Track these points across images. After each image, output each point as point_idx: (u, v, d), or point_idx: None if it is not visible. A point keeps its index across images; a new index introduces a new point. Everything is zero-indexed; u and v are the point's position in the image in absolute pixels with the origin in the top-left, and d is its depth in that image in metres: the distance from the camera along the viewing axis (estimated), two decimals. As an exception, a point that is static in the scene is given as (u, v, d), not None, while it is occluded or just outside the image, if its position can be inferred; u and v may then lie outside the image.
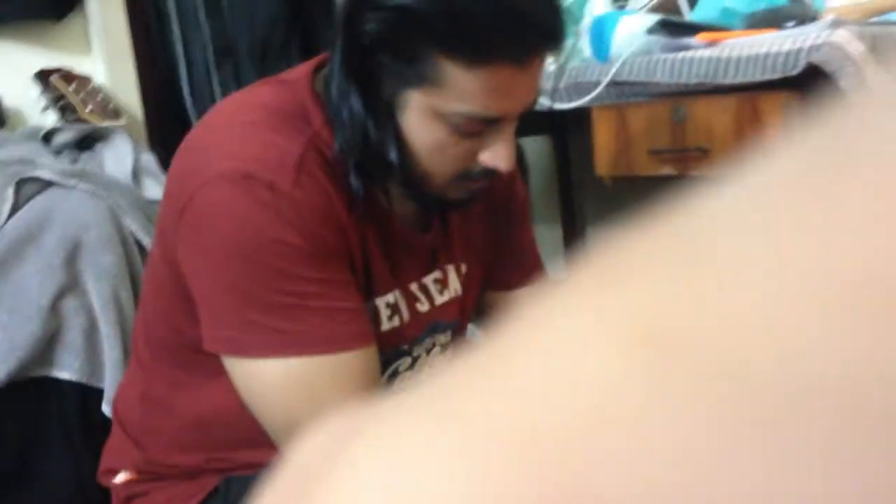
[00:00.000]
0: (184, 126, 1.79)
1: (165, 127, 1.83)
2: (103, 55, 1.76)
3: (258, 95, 0.71)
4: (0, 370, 1.19)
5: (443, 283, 0.83)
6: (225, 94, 1.80)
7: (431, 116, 0.67)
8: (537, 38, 0.67)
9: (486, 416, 0.11)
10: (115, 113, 1.66)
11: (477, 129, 0.68)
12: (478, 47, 0.63)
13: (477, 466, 0.11)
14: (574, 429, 0.10)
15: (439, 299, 0.82)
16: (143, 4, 1.81)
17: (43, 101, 1.60)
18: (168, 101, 1.88)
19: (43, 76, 1.61)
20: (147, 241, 1.32)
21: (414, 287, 0.80)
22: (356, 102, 0.67)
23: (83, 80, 1.65)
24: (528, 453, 0.10)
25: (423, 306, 0.81)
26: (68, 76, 1.63)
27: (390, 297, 0.77)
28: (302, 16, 1.91)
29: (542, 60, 0.70)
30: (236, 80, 1.85)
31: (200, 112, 1.84)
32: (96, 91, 1.67)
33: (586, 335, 0.11)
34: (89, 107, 1.60)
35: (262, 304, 0.63)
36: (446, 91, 0.65)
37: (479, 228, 0.87)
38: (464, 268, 0.86)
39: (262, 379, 0.66)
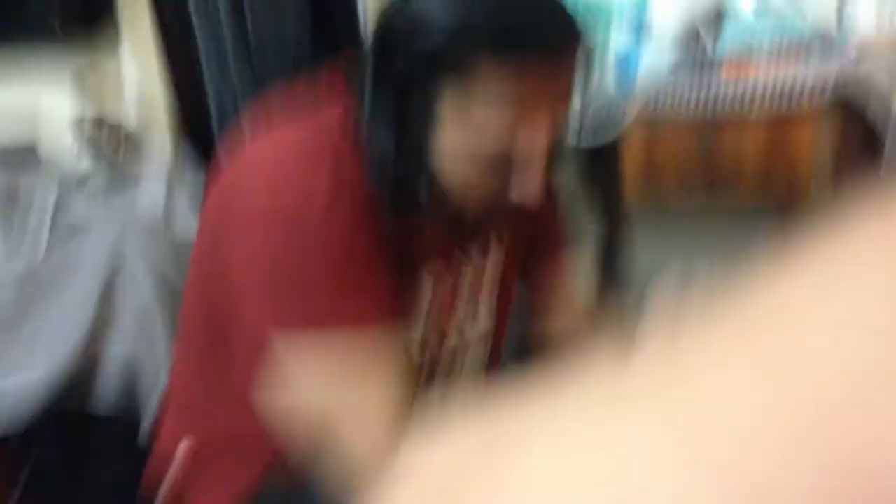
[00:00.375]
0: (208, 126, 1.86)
1: (190, 124, 1.89)
2: (131, 55, 1.81)
3: (290, 137, 0.72)
4: (37, 405, 1.21)
5: (484, 251, 0.87)
6: (246, 93, 1.84)
7: (462, 130, 0.67)
8: (565, 32, 0.67)
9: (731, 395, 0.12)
10: (146, 155, 1.73)
11: (507, 145, 0.68)
12: (519, 40, 0.64)
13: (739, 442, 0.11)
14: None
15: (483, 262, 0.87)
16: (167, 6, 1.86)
17: (78, 147, 1.67)
18: (194, 98, 1.93)
19: (80, 124, 1.69)
20: (178, 281, 1.35)
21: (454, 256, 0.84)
22: (389, 143, 0.69)
23: (116, 127, 1.73)
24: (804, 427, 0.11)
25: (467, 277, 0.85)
26: (101, 122, 1.71)
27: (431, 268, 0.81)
28: (324, 15, 1.93)
29: (570, 68, 0.69)
30: (258, 79, 1.88)
31: (222, 111, 1.88)
32: (129, 136, 1.74)
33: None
34: (122, 152, 1.68)
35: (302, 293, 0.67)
36: (482, 97, 0.65)
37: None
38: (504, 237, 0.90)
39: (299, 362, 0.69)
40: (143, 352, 1.29)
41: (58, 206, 1.42)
